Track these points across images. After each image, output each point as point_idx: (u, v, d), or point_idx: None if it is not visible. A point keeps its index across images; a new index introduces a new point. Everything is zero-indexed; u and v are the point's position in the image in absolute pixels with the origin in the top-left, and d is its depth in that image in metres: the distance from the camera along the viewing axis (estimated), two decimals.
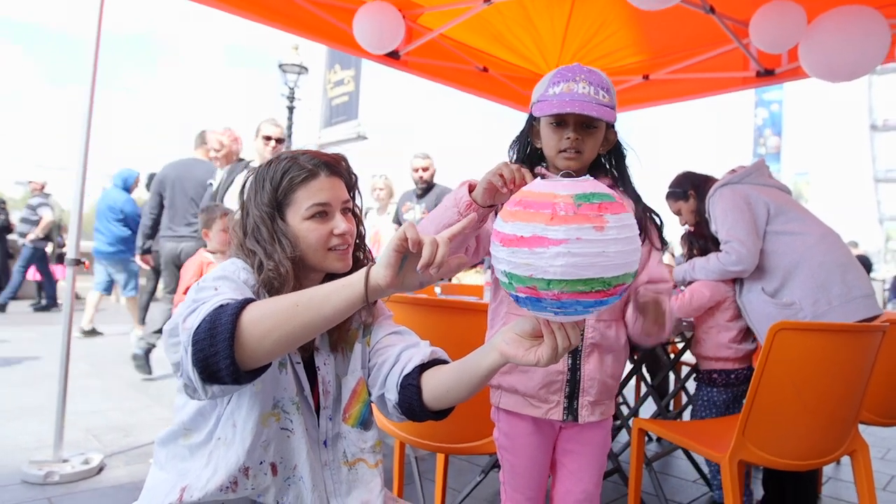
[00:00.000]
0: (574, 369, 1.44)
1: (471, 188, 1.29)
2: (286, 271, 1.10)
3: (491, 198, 1.25)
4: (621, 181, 1.49)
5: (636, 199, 1.49)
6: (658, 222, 1.53)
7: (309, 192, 1.13)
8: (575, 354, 1.44)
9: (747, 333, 2.58)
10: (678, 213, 2.88)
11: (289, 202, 1.14)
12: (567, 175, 1.38)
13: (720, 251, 2.46)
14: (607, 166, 1.51)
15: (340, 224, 1.15)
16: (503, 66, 4.36)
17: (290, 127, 11.27)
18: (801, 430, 1.86)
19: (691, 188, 2.81)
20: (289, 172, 1.13)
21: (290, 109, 11.28)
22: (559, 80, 1.35)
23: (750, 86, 3.92)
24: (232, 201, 3.61)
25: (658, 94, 4.28)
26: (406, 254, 0.92)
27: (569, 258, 0.76)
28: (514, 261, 0.80)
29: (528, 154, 1.50)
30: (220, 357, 0.86)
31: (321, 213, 1.14)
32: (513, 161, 1.50)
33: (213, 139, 4.39)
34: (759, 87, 5.05)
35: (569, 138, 1.37)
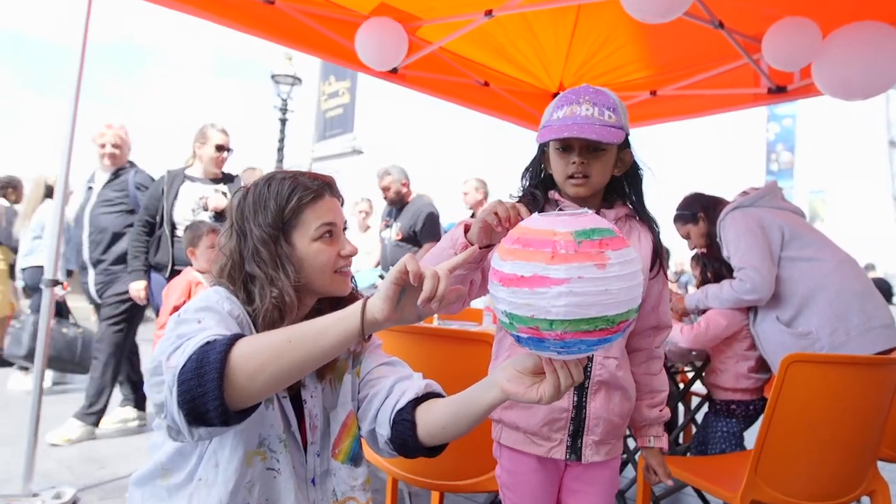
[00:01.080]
0: (580, 407, 1.43)
1: (467, 228, 1.31)
2: (291, 300, 1.11)
3: (487, 237, 1.27)
4: (638, 207, 1.51)
5: (652, 227, 1.51)
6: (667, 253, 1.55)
7: (318, 213, 1.15)
8: (581, 391, 1.44)
9: (766, 363, 2.57)
10: (687, 236, 2.88)
11: (296, 223, 1.14)
12: (581, 203, 1.41)
13: (733, 278, 2.46)
14: (626, 190, 1.52)
15: (347, 245, 1.18)
16: (505, 80, 4.40)
17: (282, 140, 11.33)
18: (816, 468, 1.85)
19: (701, 210, 2.80)
20: (296, 192, 1.14)
21: (283, 122, 11.35)
22: (563, 103, 1.38)
23: (761, 103, 3.95)
24: (182, 214, 3.50)
25: (666, 111, 4.31)
26: (405, 286, 0.92)
27: (571, 298, 0.77)
28: (514, 301, 0.81)
29: (543, 180, 1.52)
30: (208, 398, 0.85)
31: (329, 233, 1.16)
32: (525, 188, 1.53)
33: (112, 134, 4.01)
34: (769, 105, 5.10)
35: (574, 163, 1.39)
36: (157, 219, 3.57)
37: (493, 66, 4.30)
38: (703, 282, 2.77)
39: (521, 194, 1.52)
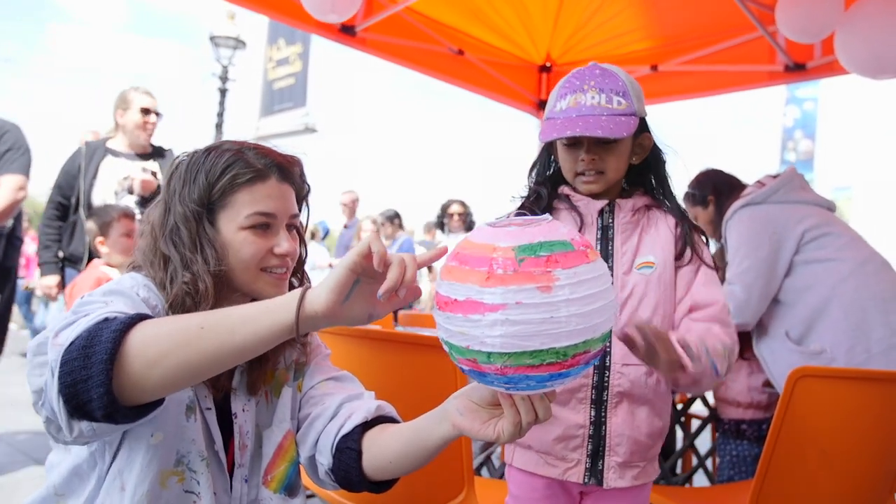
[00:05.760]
0: (598, 423, 1.45)
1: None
2: (205, 288, 1.08)
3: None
4: (661, 194, 1.56)
5: (679, 214, 1.54)
6: (705, 239, 1.56)
7: (253, 197, 1.12)
8: (599, 404, 1.45)
9: None
10: (695, 219, 2.80)
11: (224, 204, 1.12)
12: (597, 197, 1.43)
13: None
14: (652, 178, 1.56)
15: (283, 242, 1.14)
16: (483, 48, 4.41)
17: (221, 114, 11.20)
18: (827, 499, 1.88)
19: (712, 193, 2.75)
20: (232, 168, 1.12)
21: (223, 92, 11.22)
22: (566, 91, 1.43)
23: (777, 82, 4.02)
24: (102, 197, 3.33)
25: (668, 89, 4.37)
26: (361, 276, 0.90)
27: (508, 327, 0.75)
28: (449, 328, 0.80)
29: (552, 175, 1.56)
30: (92, 383, 0.82)
31: (263, 224, 1.13)
32: (532, 184, 1.57)
33: None
34: (787, 84, 5.19)
35: (583, 160, 1.43)
36: (73, 201, 3.41)
37: (469, 31, 4.32)
38: None
39: (525, 193, 1.57)
